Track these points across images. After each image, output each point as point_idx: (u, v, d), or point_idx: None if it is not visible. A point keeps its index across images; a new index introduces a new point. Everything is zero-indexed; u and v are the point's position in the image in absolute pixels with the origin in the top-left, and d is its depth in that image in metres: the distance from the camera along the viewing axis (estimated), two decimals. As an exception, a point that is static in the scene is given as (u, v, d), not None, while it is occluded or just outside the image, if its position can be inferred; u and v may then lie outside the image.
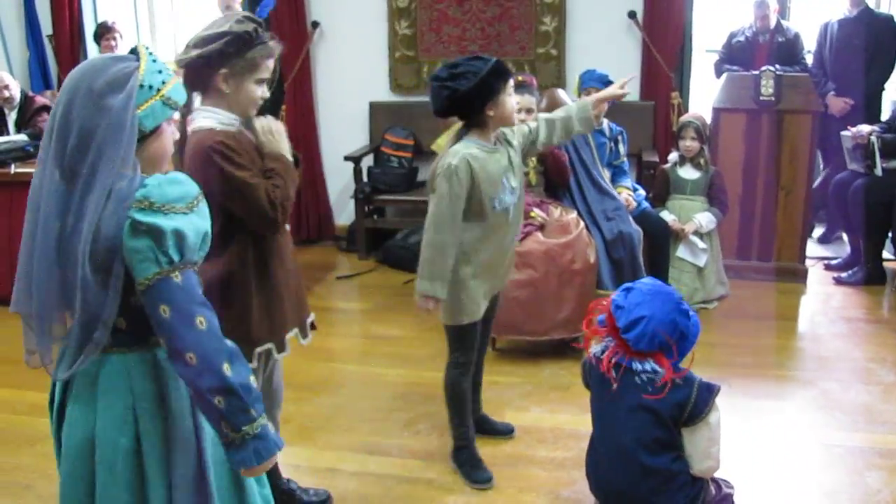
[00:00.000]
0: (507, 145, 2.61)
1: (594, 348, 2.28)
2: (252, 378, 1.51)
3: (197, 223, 1.48)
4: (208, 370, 1.43)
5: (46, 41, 6.08)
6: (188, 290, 1.45)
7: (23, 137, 4.67)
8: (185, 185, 1.50)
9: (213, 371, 1.43)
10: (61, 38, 5.96)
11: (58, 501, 1.62)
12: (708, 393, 2.15)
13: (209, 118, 2.07)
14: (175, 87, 1.55)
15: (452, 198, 2.46)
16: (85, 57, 6.10)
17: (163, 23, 6.20)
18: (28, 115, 5.01)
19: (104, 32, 5.50)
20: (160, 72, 1.53)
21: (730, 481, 2.35)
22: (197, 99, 2.12)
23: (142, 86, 1.48)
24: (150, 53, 1.55)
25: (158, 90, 1.51)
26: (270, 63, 2.11)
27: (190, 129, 2.08)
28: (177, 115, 1.61)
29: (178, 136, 1.64)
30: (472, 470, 2.71)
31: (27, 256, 1.50)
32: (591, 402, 2.36)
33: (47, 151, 1.48)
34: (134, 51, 1.55)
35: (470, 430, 2.76)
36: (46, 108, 5.13)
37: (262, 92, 2.11)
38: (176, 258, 1.44)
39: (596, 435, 2.32)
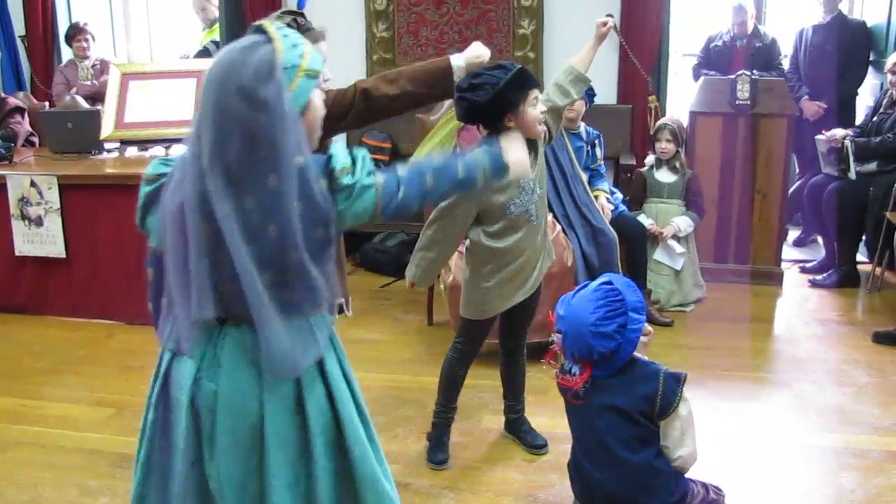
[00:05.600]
0: (533, 150, 2.56)
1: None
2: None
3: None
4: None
5: (19, 42, 6.01)
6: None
7: (-6, 139, 4.55)
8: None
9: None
10: (34, 38, 5.90)
11: None
12: (675, 382, 2.14)
13: None
14: (312, 56, 1.49)
15: (461, 198, 2.47)
16: (58, 58, 6.03)
17: (138, 23, 6.15)
18: (0, 116, 4.93)
19: (75, 34, 5.44)
20: (295, 46, 1.46)
21: (721, 488, 2.34)
22: None
23: (284, 67, 1.42)
24: (279, 28, 1.47)
25: (299, 66, 1.45)
26: (322, 46, 2.39)
27: None
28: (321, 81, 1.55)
29: (324, 97, 1.57)
30: (432, 449, 2.81)
31: (190, 266, 1.43)
32: (565, 410, 2.35)
33: (198, 162, 1.40)
34: (259, 29, 1.46)
35: (448, 413, 2.82)
36: (19, 110, 5.03)
37: (324, 74, 2.17)
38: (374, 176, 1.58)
39: (574, 441, 2.32)
